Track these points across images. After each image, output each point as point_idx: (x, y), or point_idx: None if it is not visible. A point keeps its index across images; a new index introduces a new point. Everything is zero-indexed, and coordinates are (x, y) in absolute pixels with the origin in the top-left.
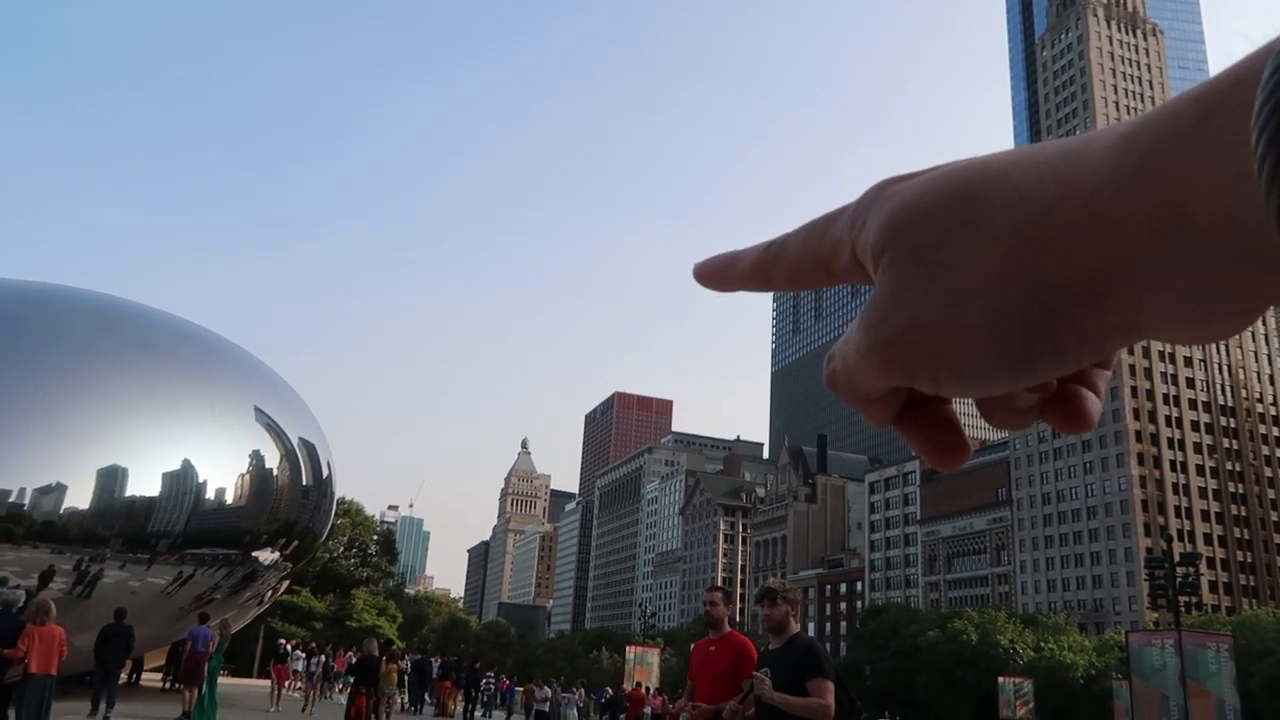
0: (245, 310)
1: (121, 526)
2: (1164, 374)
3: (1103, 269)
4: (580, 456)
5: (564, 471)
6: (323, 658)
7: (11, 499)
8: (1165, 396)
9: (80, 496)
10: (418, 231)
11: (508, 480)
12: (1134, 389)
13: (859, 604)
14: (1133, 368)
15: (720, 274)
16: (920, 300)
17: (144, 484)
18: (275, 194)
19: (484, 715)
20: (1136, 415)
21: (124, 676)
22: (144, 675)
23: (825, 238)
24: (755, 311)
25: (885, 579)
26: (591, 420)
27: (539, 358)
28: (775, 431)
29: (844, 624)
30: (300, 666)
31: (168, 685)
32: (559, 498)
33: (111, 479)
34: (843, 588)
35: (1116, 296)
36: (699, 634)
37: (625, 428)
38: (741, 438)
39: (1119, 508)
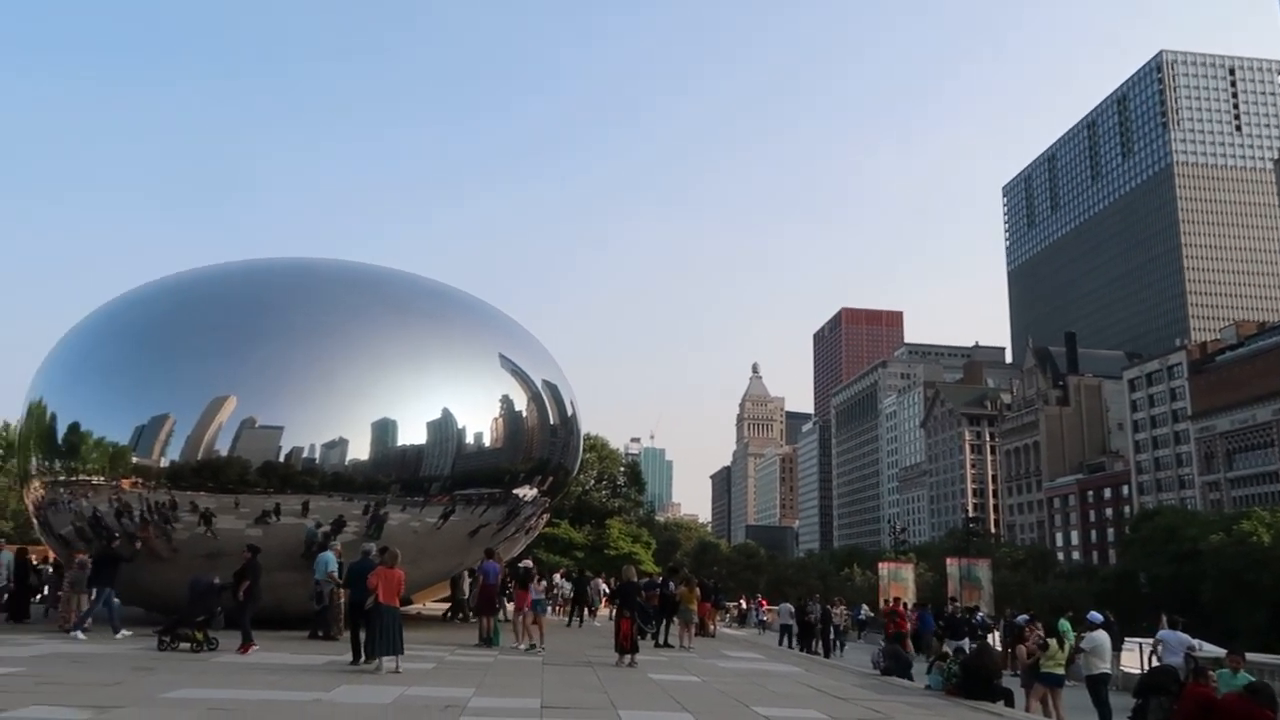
0: (471, 259)
1: (398, 473)
2: None
3: None
4: (812, 376)
5: (797, 392)
6: (566, 584)
7: (304, 454)
8: None
9: (360, 448)
10: (637, 168)
11: (742, 405)
12: None
13: (1126, 509)
14: None
15: None
16: None
17: (412, 433)
18: (488, 142)
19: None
20: None
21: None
22: (427, 606)
23: None
24: (984, 208)
25: (1155, 481)
26: (820, 339)
27: (762, 281)
28: (1017, 334)
29: (1111, 530)
30: (568, 593)
31: (460, 616)
32: (794, 419)
33: (384, 431)
34: (1107, 493)
35: None
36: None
37: (856, 343)
38: (980, 343)
39: None
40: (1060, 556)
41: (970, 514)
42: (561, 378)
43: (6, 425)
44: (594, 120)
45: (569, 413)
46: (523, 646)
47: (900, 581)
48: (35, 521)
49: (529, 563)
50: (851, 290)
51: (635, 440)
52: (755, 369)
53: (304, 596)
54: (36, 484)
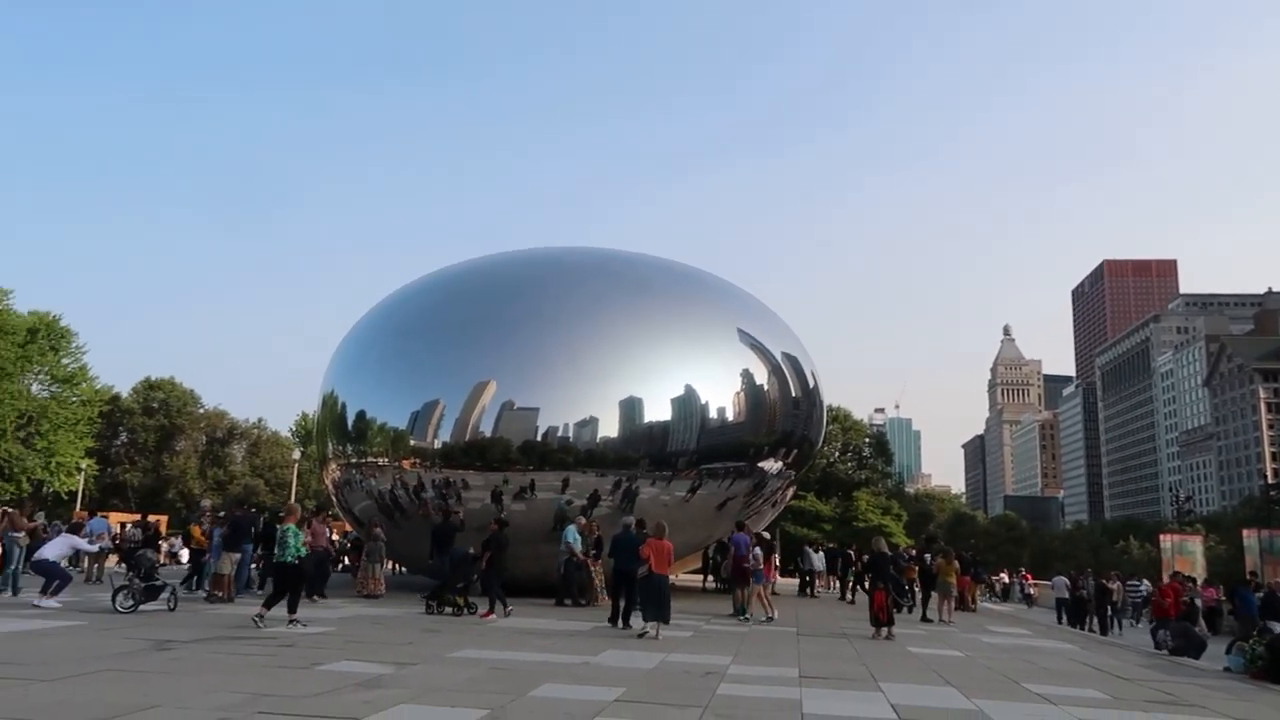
0: (706, 239)
1: (646, 449)
2: None
3: None
4: (1071, 335)
5: (1055, 354)
6: (817, 555)
7: (559, 433)
8: None
9: (610, 426)
10: (875, 134)
11: (994, 370)
12: None
13: None
14: None
15: None
16: None
17: (658, 410)
18: (717, 121)
19: (994, 603)
20: None
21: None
22: (679, 577)
23: None
24: (1274, 132)
25: None
26: (1079, 295)
27: (1012, 239)
28: None
29: None
30: (820, 564)
31: (716, 585)
32: (1053, 382)
33: (631, 408)
34: None
35: None
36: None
37: (1121, 297)
38: (1274, 289)
39: None
40: None
41: (1271, 480)
42: (801, 350)
43: (305, 415)
44: (830, 85)
45: (810, 384)
46: (763, 618)
47: (1186, 555)
48: (334, 500)
49: (766, 535)
50: (1113, 241)
51: (879, 411)
52: (1007, 331)
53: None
54: (333, 466)
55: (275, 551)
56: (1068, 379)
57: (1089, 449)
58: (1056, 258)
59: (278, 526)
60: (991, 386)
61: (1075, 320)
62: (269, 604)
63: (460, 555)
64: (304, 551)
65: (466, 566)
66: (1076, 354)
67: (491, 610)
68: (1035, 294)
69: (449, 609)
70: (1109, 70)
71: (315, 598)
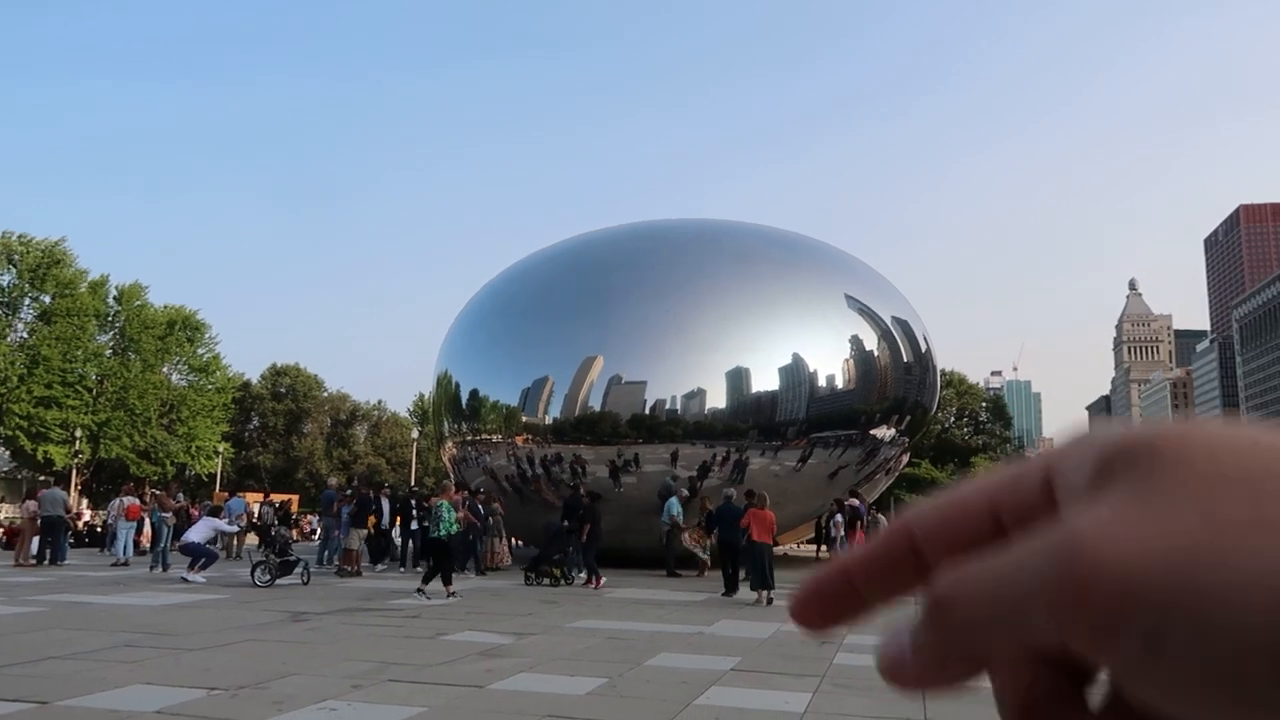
0: (811, 208)
1: (755, 419)
2: None
3: None
4: (1205, 287)
5: (1186, 307)
6: None
7: (667, 406)
8: None
9: (717, 397)
10: (985, 94)
11: (1119, 327)
12: None
13: None
14: None
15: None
16: (1177, 518)
17: (765, 380)
18: (810, 91)
19: None
20: None
21: None
22: (798, 547)
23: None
24: None
25: None
26: (1213, 244)
27: (1135, 189)
28: None
29: None
30: None
31: (830, 555)
32: (1185, 337)
33: (739, 379)
34: None
35: None
36: None
37: (1260, 244)
38: None
39: None
40: None
41: None
42: (913, 313)
43: (422, 396)
44: (944, 39)
45: (923, 348)
46: None
47: None
48: (452, 477)
49: (854, 501)
50: (1249, 184)
51: (996, 374)
52: (1133, 285)
53: (678, 539)
54: (449, 444)
55: (429, 527)
56: (1201, 334)
57: (1226, 406)
58: (1186, 205)
59: (428, 503)
60: (1117, 344)
61: (1209, 270)
62: (446, 581)
63: (556, 529)
64: (456, 528)
65: (562, 539)
66: (1211, 306)
67: (600, 579)
68: (1163, 245)
69: (546, 580)
70: (1241, 7)
71: (469, 573)
